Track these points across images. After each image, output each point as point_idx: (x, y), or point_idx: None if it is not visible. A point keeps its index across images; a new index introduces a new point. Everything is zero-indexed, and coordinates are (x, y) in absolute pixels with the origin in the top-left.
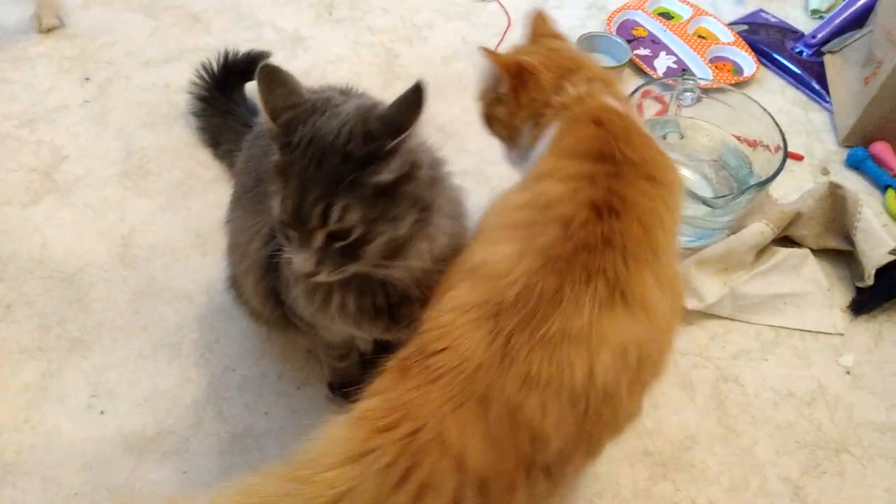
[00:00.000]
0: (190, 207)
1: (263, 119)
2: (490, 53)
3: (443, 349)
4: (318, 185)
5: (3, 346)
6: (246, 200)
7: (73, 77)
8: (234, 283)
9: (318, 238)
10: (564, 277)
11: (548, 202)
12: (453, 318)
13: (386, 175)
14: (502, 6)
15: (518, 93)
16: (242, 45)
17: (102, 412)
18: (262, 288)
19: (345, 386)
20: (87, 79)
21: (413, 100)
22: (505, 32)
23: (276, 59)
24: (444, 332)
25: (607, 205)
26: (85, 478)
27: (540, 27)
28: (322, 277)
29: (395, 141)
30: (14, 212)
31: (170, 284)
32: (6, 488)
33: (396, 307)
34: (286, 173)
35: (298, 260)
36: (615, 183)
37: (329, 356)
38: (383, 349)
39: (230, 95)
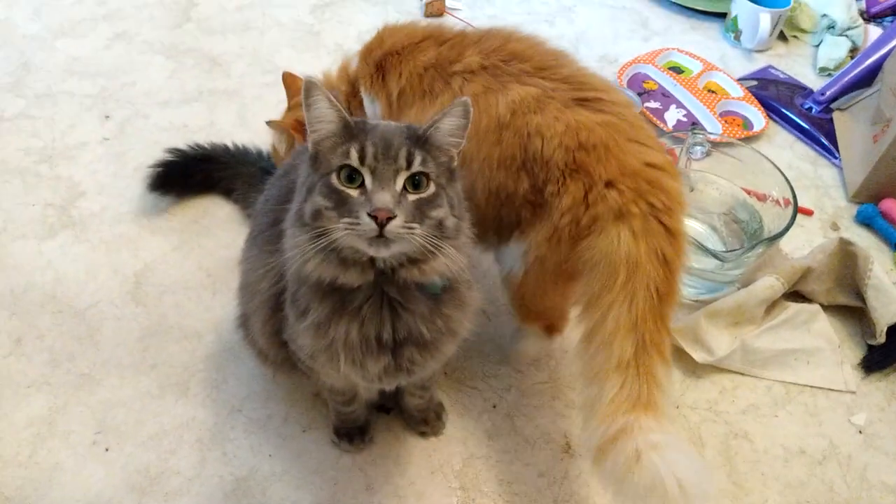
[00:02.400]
0: (203, 246)
1: (329, 114)
2: (273, 122)
3: None
4: (399, 136)
5: (11, 379)
6: (261, 240)
7: (93, 115)
8: (244, 322)
9: (401, 180)
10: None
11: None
12: None
13: (444, 145)
14: None
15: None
16: (260, 88)
17: (107, 449)
18: (270, 328)
19: (351, 431)
20: (107, 117)
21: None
22: None
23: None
24: None
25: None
26: None
27: (292, 88)
28: (397, 223)
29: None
30: (29, 246)
31: (180, 323)
32: None
33: (400, 346)
34: (359, 133)
35: (381, 197)
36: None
37: (334, 401)
38: (389, 397)
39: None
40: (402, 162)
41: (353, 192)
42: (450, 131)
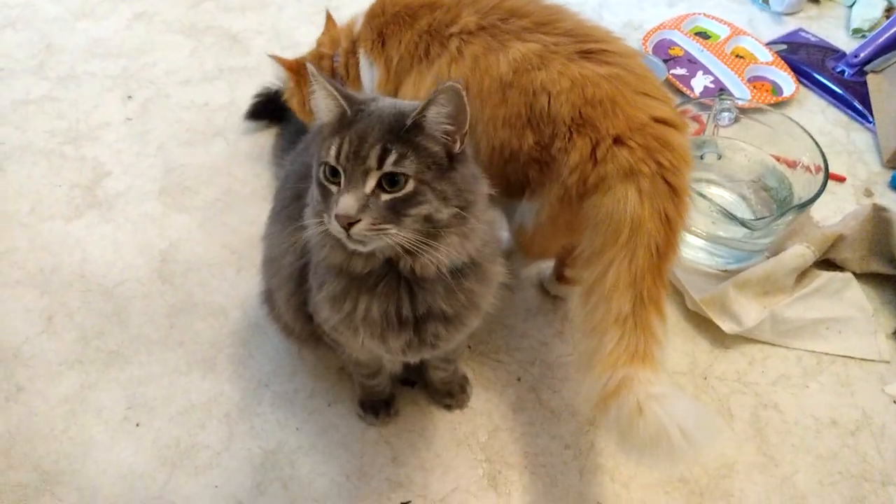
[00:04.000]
0: (226, 224)
1: (327, 104)
2: (276, 57)
3: None
4: (379, 132)
5: (44, 357)
6: (283, 216)
7: (116, 95)
8: (268, 297)
9: (371, 181)
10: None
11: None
12: None
13: (437, 133)
14: None
15: (299, 84)
16: None
17: (138, 424)
18: (295, 301)
19: (376, 405)
20: (129, 97)
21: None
22: None
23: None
24: None
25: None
26: (119, 489)
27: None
28: (360, 227)
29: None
30: (57, 226)
31: (206, 300)
32: (45, 497)
33: (422, 321)
34: (348, 126)
35: (344, 201)
36: None
37: (359, 374)
38: (413, 371)
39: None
40: (373, 161)
41: (333, 189)
42: (438, 119)
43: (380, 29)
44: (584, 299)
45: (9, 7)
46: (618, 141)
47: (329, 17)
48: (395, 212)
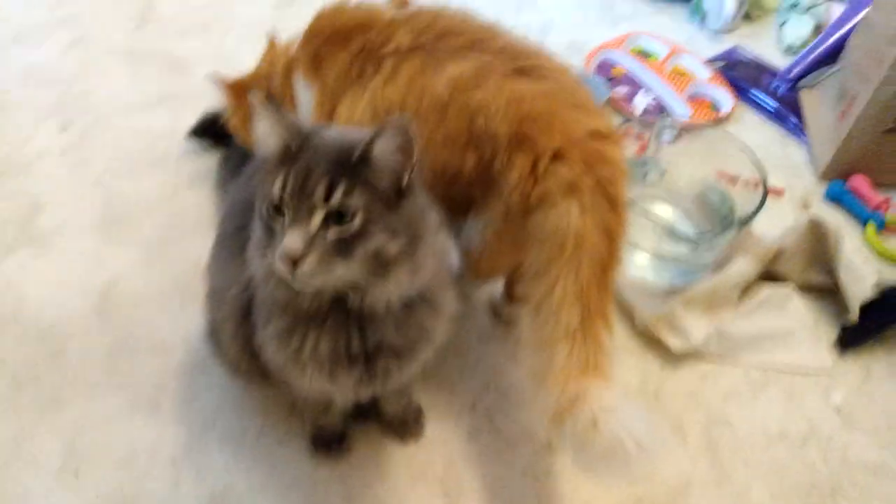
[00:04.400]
0: (170, 256)
1: (272, 135)
2: (217, 78)
3: None
4: (325, 165)
5: None
6: (228, 245)
7: (51, 124)
8: (213, 331)
9: (317, 217)
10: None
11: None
12: None
13: (384, 167)
14: None
15: (239, 106)
16: None
17: (77, 474)
18: (241, 336)
19: (328, 441)
20: (65, 126)
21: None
22: None
23: None
24: None
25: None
26: None
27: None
28: (306, 267)
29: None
30: None
31: (148, 337)
32: None
33: (373, 356)
34: (292, 159)
35: (289, 240)
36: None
37: (310, 410)
38: (365, 404)
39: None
40: (319, 196)
41: (277, 226)
42: (386, 153)
43: (315, 51)
44: (533, 315)
45: None
46: (557, 156)
47: (271, 43)
48: (343, 249)
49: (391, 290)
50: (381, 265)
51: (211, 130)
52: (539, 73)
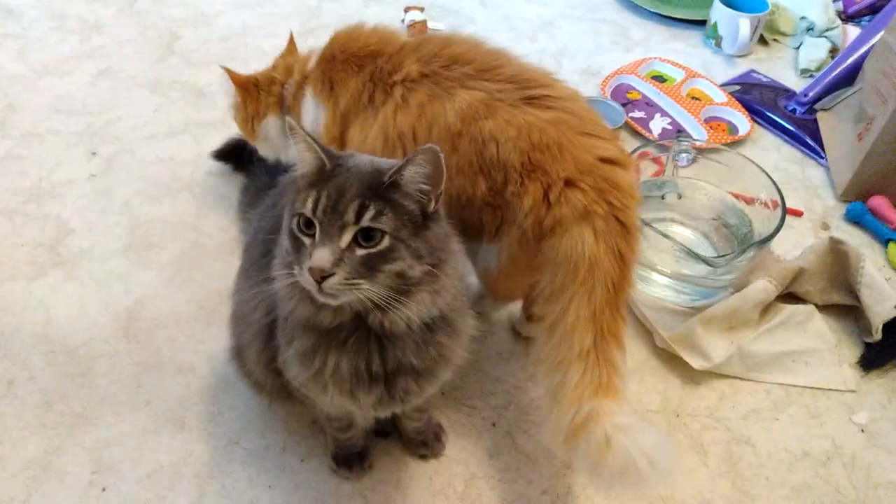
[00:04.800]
0: (193, 279)
1: (306, 156)
2: (229, 71)
3: None
4: (358, 187)
5: (4, 422)
6: (253, 271)
7: (79, 152)
8: (237, 353)
9: (348, 235)
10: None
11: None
12: None
13: (413, 193)
14: None
15: (246, 102)
16: None
17: (104, 489)
18: (265, 357)
19: (349, 458)
20: (93, 153)
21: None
22: None
23: None
24: None
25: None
26: None
27: (289, 48)
28: (333, 281)
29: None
30: (19, 287)
31: (173, 357)
32: None
33: (392, 376)
34: (326, 179)
35: (319, 254)
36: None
37: (331, 428)
38: (386, 421)
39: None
40: (351, 216)
41: (307, 241)
42: (415, 179)
43: (330, 74)
44: (548, 336)
45: None
46: (569, 183)
47: (291, 41)
48: (369, 267)
49: (412, 311)
50: (403, 286)
51: (233, 155)
52: (548, 102)
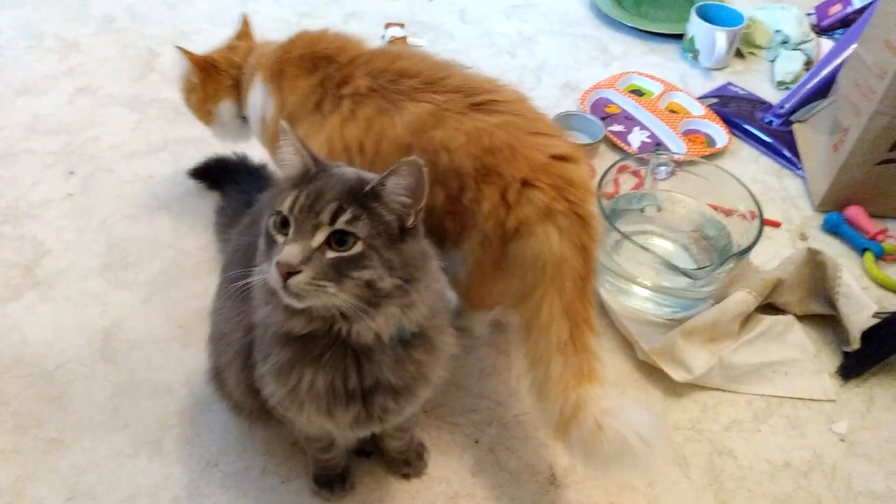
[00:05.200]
0: (171, 298)
1: (293, 160)
2: (185, 50)
3: None
4: (338, 191)
5: None
6: (231, 290)
7: (57, 171)
8: (216, 374)
9: (321, 235)
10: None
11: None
12: None
13: (392, 204)
14: None
15: (205, 83)
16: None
17: None
18: (245, 378)
19: (331, 479)
20: (71, 172)
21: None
22: None
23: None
24: None
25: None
26: None
27: (243, 30)
28: (299, 278)
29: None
30: None
31: (151, 378)
32: None
33: (370, 394)
34: (308, 182)
35: (288, 249)
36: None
37: (312, 448)
38: (368, 441)
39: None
40: (326, 217)
41: (280, 239)
42: (396, 190)
43: (283, 66)
44: (525, 334)
45: None
46: (526, 183)
47: (246, 24)
48: (338, 271)
49: (380, 324)
50: (373, 297)
51: (209, 174)
52: (495, 106)
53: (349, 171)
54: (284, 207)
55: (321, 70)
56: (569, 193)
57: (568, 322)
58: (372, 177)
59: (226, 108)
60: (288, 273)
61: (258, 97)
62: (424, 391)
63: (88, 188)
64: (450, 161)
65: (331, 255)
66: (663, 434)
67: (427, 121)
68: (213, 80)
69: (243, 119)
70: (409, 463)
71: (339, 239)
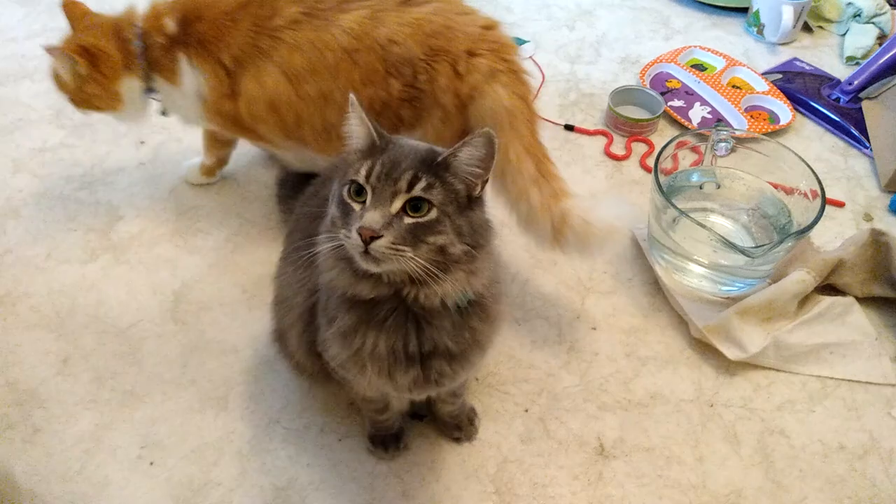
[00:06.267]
0: (237, 263)
1: (359, 131)
2: (53, 48)
3: None
4: (412, 160)
5: (59, 398)
6: (295, 256)
7: (129, 141)
8: (279, 336)
9: (398, 202)
10: None
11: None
12: None
13: (463, 174)
14: (536, 63)
15: (97, 67)
16: None
17: (152, 463)
18: (306, 340)
19: (385, 439)
20: (142, 142)
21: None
22: (539, 88)
23: None
24: None
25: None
26: None
27: (73, 13)
28: (381, 243)
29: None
30: (73, 269)
31: (217, 338)
32: None
33: (428, 358)
34: (379, 152)
35: (370, 215)
36: None
37: (368, 409)
38: (421, 405)
39: None
40: (403, 184)
41: (357, 206)
42: (468, 161)
43: (201, 37)
44: (501, 181)
45: (27, 59)
46: (471, 53)
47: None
48: (415, 236)
49: (447, 288)
50: (443, 262)
51: None
52: (421, 0)
53: (419, 143)
54: (360, 176)
55: (245, 17)
56: (503, 54)
57: (532, 159)
58: (442, 149)
59: (132, 87)
60: (371, 238)
61: (189, 79)
62: (479, 358)
63: (158, 157)
64: (401, 52)
65: (408, 220)
66: (632, 213)
67: (367, 24)
68: (109, 63)
69: (149, 93)
70: (460, 427)
71: (414, 206)
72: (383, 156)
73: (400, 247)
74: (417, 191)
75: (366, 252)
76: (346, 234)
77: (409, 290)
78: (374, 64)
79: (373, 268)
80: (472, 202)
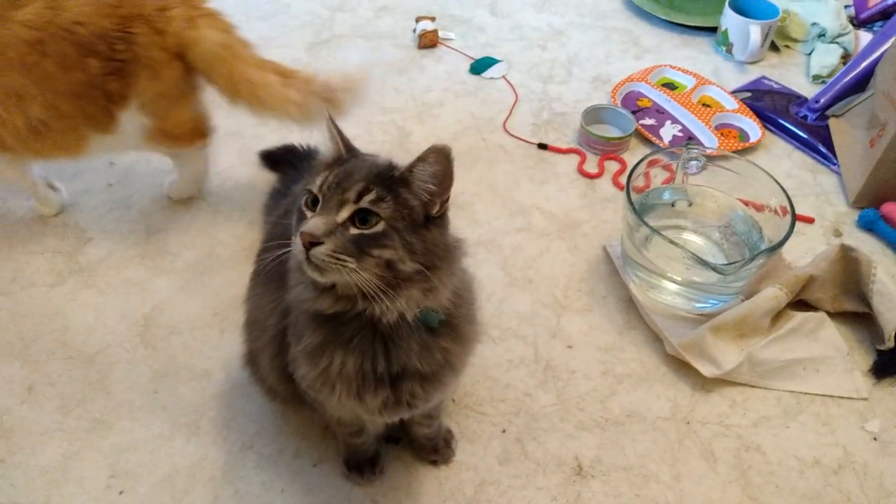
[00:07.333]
0: (208, 286)
1: (329, 144)
2: None
3: None
4: (366, 173)
5: (24, 427)
6: (265, 277)
7: (97, 162)
8: (251, 359)
9: (345, 212)
10: None
11: None
12: None
13: (419, 190)
14: (509, 83)
15: None
16: (257, 127)
17: (121, 492)
18: (279, 363)
19: (361, 463)
20: (111, 163)
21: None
22: (513, 107)
23: (298, 139)
24: None
25: None
26: None
27: None
28: (321, 250)
29: (434, 165)
30: (39, 293)
31: (188, 363)
32: None
33: (398, 380)
34: (338, 164)
35: (313, 221)
36: None
37: (343, 433)
38: (397, 427)
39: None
40: (352, 195)
41: (309, 215)
42: (422, 177)
43: None
44: (261, 105)
45: None
46: (163, 10)
47: None
48: (359, 247)
49: (401, 306)
50: (393, 278)
51: (277, 160)
52: None
53: (381, 159)
54: (315, 186)
55: None
56: (193, 2)
57: (270, 70)
58: (403, 165)
59: None
60: (310, 244)
61: None
62: (451, 379)
63: (127, 178)
64: (89, 31)
65: (353, 231)
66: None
67: (46, 14)
68: None
69: None
70: (437, 450)
71: (362, 217)
72: (341, 168)
73: (342, 256)
74: (365, 202)
75: (308, 259)
76: (293, 241)
77: (364, 306)
78: (65, 49)
79: (317, 277)
80: (429, 221)
